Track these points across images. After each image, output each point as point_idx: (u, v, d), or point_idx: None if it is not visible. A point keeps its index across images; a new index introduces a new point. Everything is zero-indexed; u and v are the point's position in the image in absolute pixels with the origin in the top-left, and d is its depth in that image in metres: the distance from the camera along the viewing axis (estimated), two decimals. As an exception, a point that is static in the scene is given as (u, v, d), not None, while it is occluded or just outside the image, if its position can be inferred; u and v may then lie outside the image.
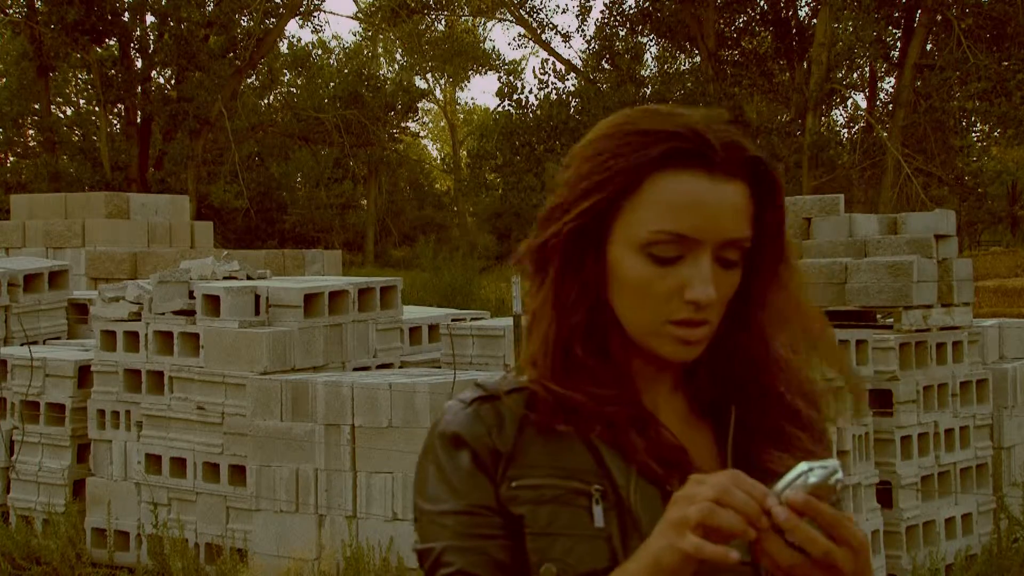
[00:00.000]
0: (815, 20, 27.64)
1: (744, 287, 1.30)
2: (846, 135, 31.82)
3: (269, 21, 31.27)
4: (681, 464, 1.27)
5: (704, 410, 1.35)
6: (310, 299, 6.50)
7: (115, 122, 33.67)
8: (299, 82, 39.49)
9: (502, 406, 1.31)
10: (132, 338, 6.68)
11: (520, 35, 38.78)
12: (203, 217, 24.58)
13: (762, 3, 30.14)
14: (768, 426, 1.32)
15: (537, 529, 1.25)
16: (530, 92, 30.17)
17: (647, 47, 31.89)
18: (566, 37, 48.02)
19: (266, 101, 39.46)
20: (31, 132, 36.32)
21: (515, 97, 29.60)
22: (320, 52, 41.93)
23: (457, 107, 56.14)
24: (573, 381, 1.29)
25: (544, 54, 32.08)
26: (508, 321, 6.99)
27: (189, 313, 6.53)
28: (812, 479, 1.11)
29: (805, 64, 28.00)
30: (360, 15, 39.87)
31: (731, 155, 1.25)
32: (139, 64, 30.17)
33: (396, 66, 46.87)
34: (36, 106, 33.19)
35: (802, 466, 1.13)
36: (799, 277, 1.34)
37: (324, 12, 64.92)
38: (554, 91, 29.77)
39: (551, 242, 1.29)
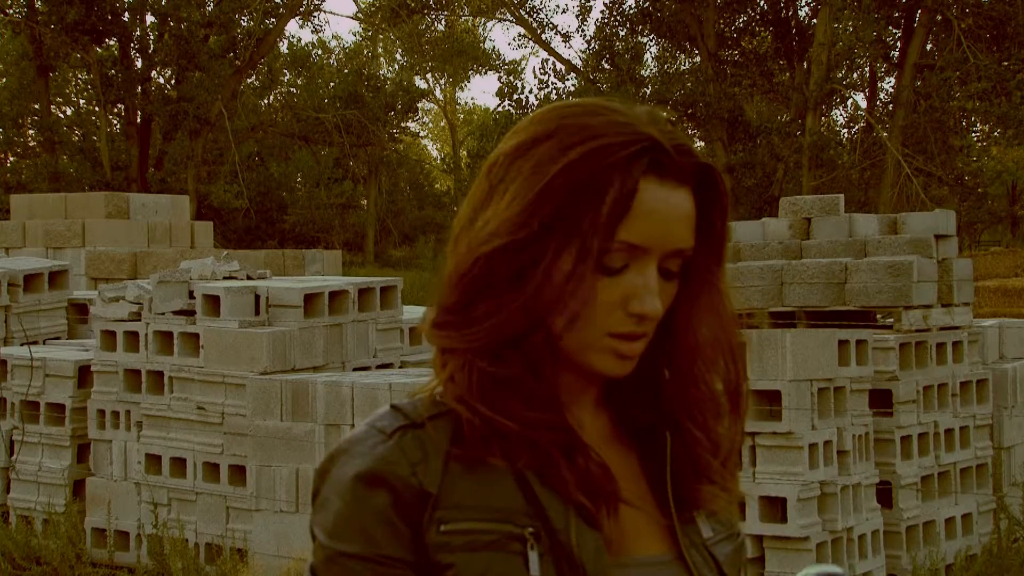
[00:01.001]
0: (815, 20, 27.64)
1: (683, 297, 1.25)
2: (846, 135, 31.83)
3: (269, 21, 31.27)
4: (610, 494, 1.20)
5: (628, 431, 1.29)
6: (310, 299, 6.50)
7: (115, 122, 33.67)
8: (299, 82, 39.48)
9: (425, 436, 1.19)
10: (132, 338, 6.68)
11: (520, 35, 38.79)
12: (203, 217, 24.58)
13: (762, 3, 30.13)
14: (695, 455, 1.27)
15: None
16: (530, 92, 30.20)
17: (647, 47, 31.89)
18: (566, 37, 47.92)
19: (266, 101, 39.45)
20: (31, 132, 36.32)
21: (515, 97, 29.62)
22: (320, 52, 41.94)
23: (457, 107, 56.14)
24: (496, 399, 1.19)
25: (544, 54, 32.07)
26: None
27: (189, 313, 6.53)
28: None
29: (805, 64, 27.99)
30: (360, 15, 39.88)
31: (681, 161, 1.20)
32: (139, 64, 30.16)
33: (396, 66, 46.87)
34: (36, 106, 33.17)
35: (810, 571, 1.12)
36: (728, 289, 1.29)
37: (324, 12, 64.89)
38: (554, 91, 29.78)
39: (490, 254, 1.19)
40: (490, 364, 1.20)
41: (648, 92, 29.16)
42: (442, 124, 57.81)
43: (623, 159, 1.17)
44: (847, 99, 31.82)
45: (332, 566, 1.18)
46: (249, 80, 35.31)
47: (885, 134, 27.02)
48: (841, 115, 34.32)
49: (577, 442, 1.20)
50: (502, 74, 41.25)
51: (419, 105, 42.34)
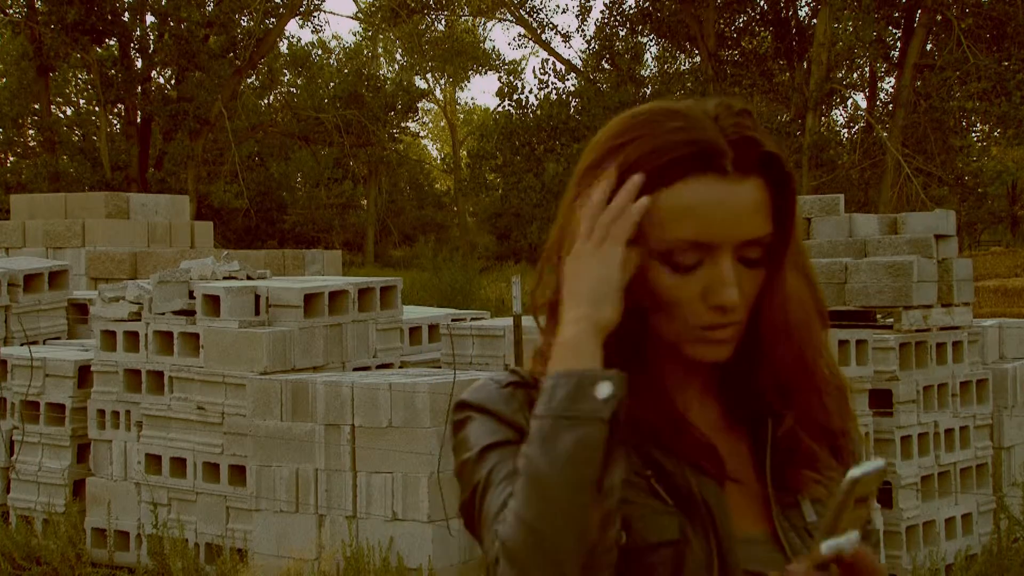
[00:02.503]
0: (815, 20, 27.64)
1: (766, 282, 1.30)
2: (846, 135, 31.83)
3: (269, 21, 31.27)
4: (717, 469, 1.26)
5: (739, 420, 1.34)
6: (310, 299, 6.50)
7: (115, 122, 33.69)
8: (299, 82, 39.50)
9: (534, 394, 1.26)
10: (132, 338, 6.68)
11: (520, 35, 38.79)
12: (203, 217, 24.58)
13: (762, 3, 30.13)
14: (796, 442, 1.31)
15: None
16: (530, 92, 30.18)
17: (647, 47, 31.91)
18: (566, 37, 48.06)
19: (266, 101, 39.47)
20: (31, 132, 36.33)
21: (515, 97, 29.60)
22: (320, 52, 41.95)
23: (457, 107, 56.13)
24: None
25: (544, 54, 32.08)
26: (508, 321, 6.99)
27: (189, 313, 6.53)
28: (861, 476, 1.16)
29: (805, 64, 28.00)
30: (360, 15, 39.87)
31: (745, 152, 1.24)
32: (139, 64, 30.17)
33: (396, 66, 46.89)
34: (36, 106, 33.18)
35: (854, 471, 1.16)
36: (809, 269, 1.34)
37: (324, 12, 64.91)
38: (554, 91, 29.79)
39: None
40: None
41: (648, 92, 29.16)
42: (442, 124, 57.81)
43: (669, 156, 1.24)
44: (847, 99, 31.84)
45: (476, 466, 1.25)
46: (249, 80, 35.33)
47: (885, 134, 27.02)
48: (841, 115, 34.34)
49: (684, 424, 1.27)
50: (502, 74, 41.30)
51: (419, 105, 42.36)
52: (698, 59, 30.33)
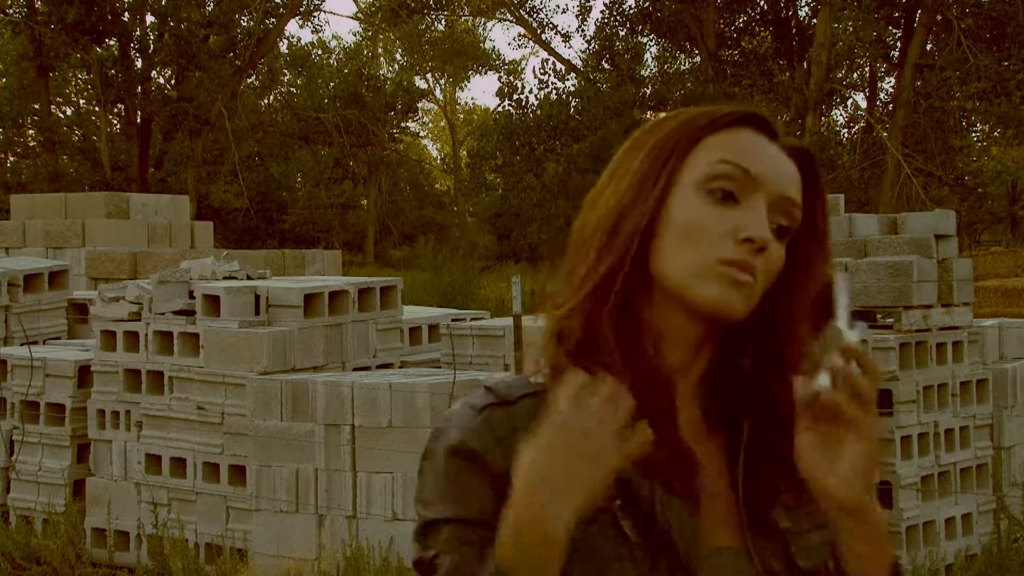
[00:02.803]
0: (815, 20, 27.64)
1: (781, 280, 1.27)
2: (846, 135, 31.84)
3: (269, 21, 31.27)
4: (691, 481, 1.22)
5: (717, 421, 1.29)
6: (310, 299, 6.50)
7: (115, 122, 33.68)
8: (299, 82, 39.50)
9: (515, 412, 1.24)
10: (132, 338, 6.68)
11: (520, 35, 38.79)
12: (203, 217, 24.58)
13: (762, 3, 30.14)
14: (773, 447, 1.26)
15: (572, 547, 1.16)
16: (530, 92, 30.24)
17: (647, 47, 31.90)
18: (566, 37, 48.06)
19: (266, 101, 39.47)
20: (31, 132, 36.33)
21: (515, 97, 29.62)
22: (320, 52, 41.96)
23: (457, 107, 56.13)
24: (608, 346, 1.22)
25: (544, 54, 32.09)
26: (508, 321, 6.99)
27: (189, 313, 6.53)
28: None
29: (805, 64, 28.00)
30: (360, 15, 39.88)
31: (786, 137, 1.29)
32: (139, 64, 30.17)
33: (396, 66, 46.89)
34: (36, 106, 33.18)
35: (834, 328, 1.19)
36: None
37: (324, 12, 64.91)
38: (554, 91, 29.79)
39: (604, 221, 1.26)
40: (603, 306, 1.23)
41: (648, 92, 29.17)
42: (442, 124, 57.82)
43: (721, 111, 1.26)
44: (847, 99, 31.85)
45: (429, 533, 1.24)
46: (249, 80, 35.32)
47: (885, 134, 27.02)
48: (841, 115, 34.35)
49: (670, 406, 1.23)
50: (502, 74, 41.30)
51: (419, 105, 42.35)
52: (698, 59, 30.33)
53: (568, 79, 30.93)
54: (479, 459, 1.22)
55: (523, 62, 61.76)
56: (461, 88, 60.92)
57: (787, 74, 30.00)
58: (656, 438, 1.18)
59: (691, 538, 1.20)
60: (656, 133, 1.28)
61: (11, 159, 37.59)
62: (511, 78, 34.71)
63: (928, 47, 27.35)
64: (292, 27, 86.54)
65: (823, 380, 1.17)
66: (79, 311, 8.49)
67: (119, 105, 31.31)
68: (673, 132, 1.27)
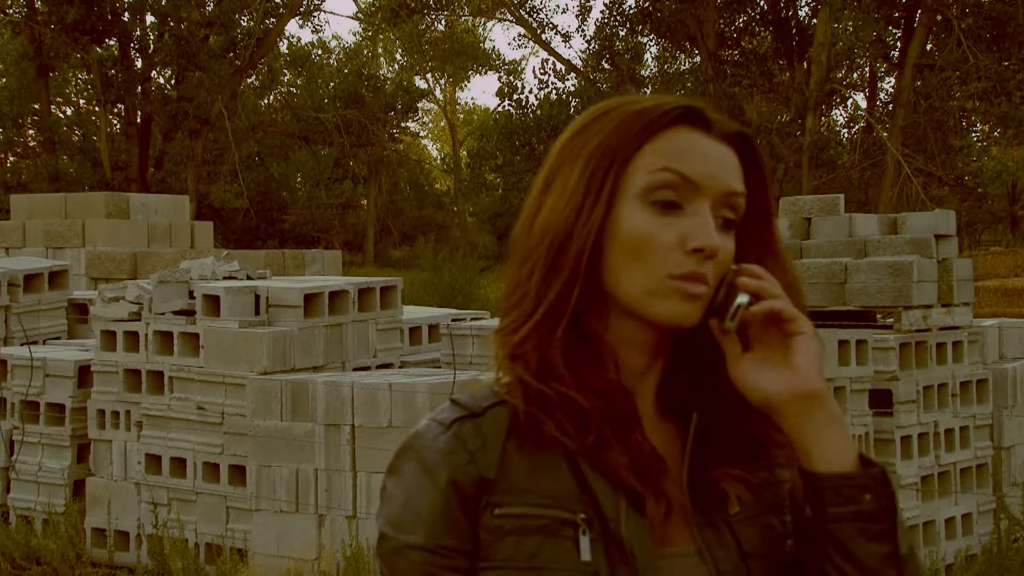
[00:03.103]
0: (815, 20, 27.64)
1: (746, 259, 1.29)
2: (846, 135, 31.84)
3: (269, 21, 31.27)
4: (658, 483, 1.23)
5: (672, 411, 1.30)
6: (310, 299, 6.50)
7: (115, 122, 33.68)
8: (299, 82, 39.50)
9: (484, 424, 1.24)
10: (132, 338, 6.68)
11: (520, 35, 38.80)
12: (203, 217, 24.58)
13: (762, 3, 30.13)
14: (722, 436, 1.27)
15: (521, 562, 1.19)
16: (530, 92, 30.24)
17: (647, 47, 31.91)
18: (566, 37, 48.05)
19: (266, 101, 39.47)
20: (31, 132, 36.33)
21: (515, 97, 29.62)
22: (320, 52, 41.96)
23: (457, 107, 56.13)
24: (554, 371, 1.22)
25: (544, 54, 32.09)
26: (508, 321, 6.98)
27: (189, 313, 6.53)
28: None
29: (805, 64, 28.00)
30: (360, 15, 39.87)
31: (722, 123, 1.27)
32: (139, 64, 30.17)
33: (396, 66, 46.90)
34: (36, 106, 33.19)
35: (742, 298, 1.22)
36: (787, 254, 1.32)
37: (324, 12, 64.92)
38: (554, 91, 29.80)
39: (553, 226, 1.24)
40: (556, 329, 1.23)
41: (648, 92, 29.13)
42: (442, 124, 57.82)
43: (655, 111, 1.24)
44: (847, 99, 31.85)
45: (396, 557, 1.23)
46: (249, 80, 35.33)
47: (885, 134, 27.02)
48: (841, 115, 34.36)
49: (631, 414, 1.24)
50: (502, 74, 41.30)
51: (419, 105, 42.35)
52: (698, 59, 30.33)
53: (568, 79, 30.94)
54: (450, 477, 1.21)
55: (523, 62, 61.79)
56: (461, 88, 60.95)
57: (787, 74, 29.99)
58: (623, 446, 1.21)
59: (650, 556, 1.21)
60: (589, 140, 1.26)
61: (11, 159, 37.60)
62: (511, 78, 34.70)
63: (928, 47, 27.35)
64: (292, 27, 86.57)
65: (742, 299, 1.21)
66: (79, 311, 8.49)
67: (119, 105, 31.31)
68: (609, 140, 1.24)
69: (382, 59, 46.74)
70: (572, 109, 28.18)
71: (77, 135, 35.16)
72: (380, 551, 1.25)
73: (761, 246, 1.30)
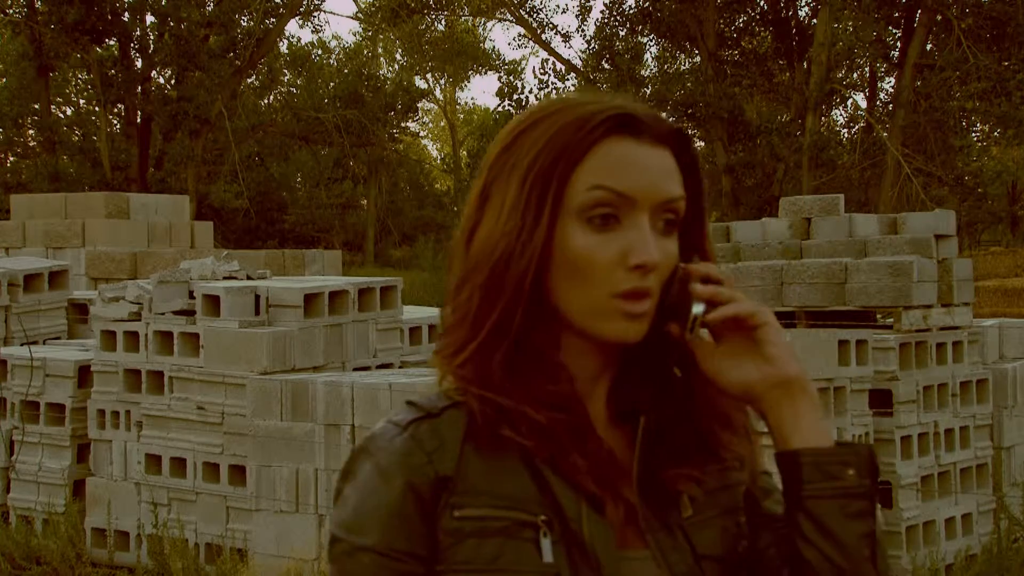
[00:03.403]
0: (815, 20, 27.63)
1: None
2: (846, 135, 31.85)
3: (269, 21, 31.26)
4: (616, 483, 1.23)
5: (624, 415, 1.29)
6: (310, 299, 6.50)
7: (115, 122, 33.66)
8: (299, 82, 39.49)
9: (441, 424, 1.22)
10: (132, 338, 6.68)
11: (520, 35, 38.79)
12: (203, 217, 24.58)
13: (762, 3, 30.13)
14: (681, 439, 1.27)
15: (482, 565, 1.18)
16: (530, 92, 30.21)
17: (647, 47, 31.89)
18: (566, 37, 48.02)
19: (266, 101, 39.46)
20: (31, 132, 36.32)
21: (515, 97, 29.61)
22: (320, 52, 41.95)
23: (457, 107, 56.13)
24: (506, 383, 1.22)
25: (544, 54, 32.08)
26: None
27: (189, 313, 6.53)
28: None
29: (805, 64, 27.99)
30: (360, 15, 39.86)
31: (655, 124, 1.25)
32: (139, 64, 30.16)
33: (396, 66, 46.89)
34: (36, 106, 33.18)
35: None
36: (714, 252, 1.33)
37: (324, 12, 64.94)
38: (554, 91, 29.78)
39: (493, 256, 1.22)
40: (499, 349, 1.22)
41: (648, 92, 29.15)
42: (442, 124, 57.82)
43: (587, 122, 1.22)
44: (847, 99, 31.85)
45: (348, 559, 1.22)
46: (249, 80, 35.32)
47: (885, 134, 27.02)
48: (841, 115, 34.35)
49: (585, 423, 1.23)
50: (502, 74, 41.27)
51: (419, 105, 42.34)
52: (698, 59, 30.32)
53: (568, 79, 30.94)
54: (407, 479, 1.20)
55: (523, 62, 61.78)
56: (461, 88, 60.95)
57: (787, 74, 29.99)
58: (580, 452, 1.21)
59: (613, 558, 1.20)
60: (521, 154, 1.24)
61: (11, 159, 37.59)
62: (511, 78, 34.69)
63: (928, 47, 27.34)
64: (292, 27, 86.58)
65: (697, 308, 1.23)
66: (79, 311, 8.49)
67: (119, 105, 31.30)
68: (543, 158, 1.22)
69: (382, 59, 46.74)
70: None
71: (77, 135, 35.15)
72: (332, 554, 1.24)
73: (691, 246, 1.29)
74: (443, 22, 39.15)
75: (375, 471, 1.22)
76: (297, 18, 33.47)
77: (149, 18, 30.02)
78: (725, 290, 1.24)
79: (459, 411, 1.23)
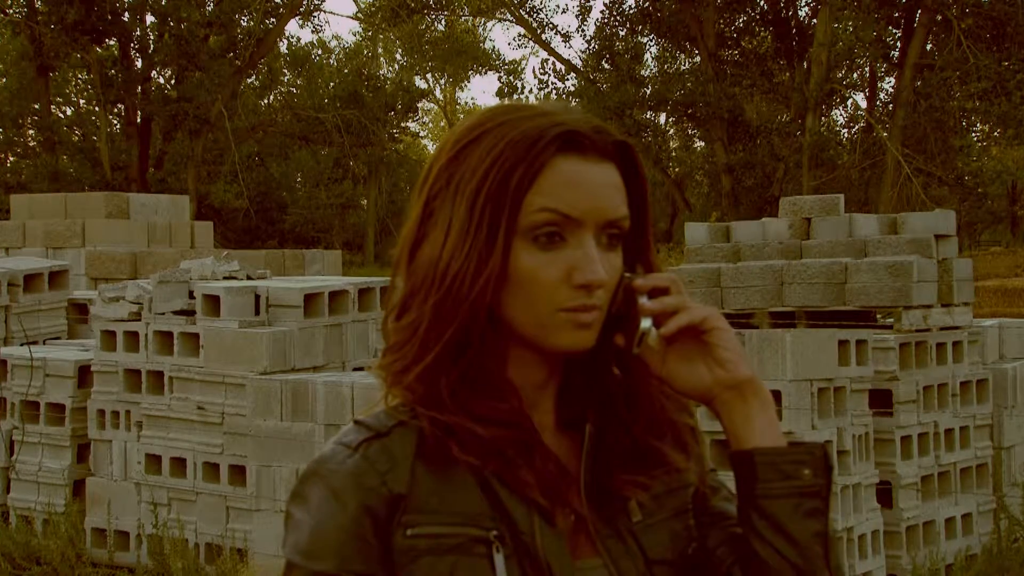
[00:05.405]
0: (815, 20, 27.65)
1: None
2: (846, 135, 31.86)
3: (269, 21, 31.29)
4: (565, 493, 1.23)
5: (570, 423, 1.30)
6: (310, 299, 6.50)
7: (115, 122, 33.68)
8: (299, 82, 39.49)
9: (391, 443, 1.22)
10: (132, 338, 6.68)
11: (520, 35, 38.78)
12: (203, 217, 24.58)
13: (762, 3, 30.14)
14: (627, 445, 1.28)
15: None
16: (530, 92, 30.22)
17: (647, 47, 31.92)
18: (566, 37, 48.02)
19: (266, 101, 39.47)
20: (31, 132, 36.33)
21: (515, 97, 29.61)
22: (320, 52, 41.94)
23: (457, 107, 56.14)
24: (453, 402, 1.22)
25: (544, 54, 32.10)
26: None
27: (189, 313, 6.53)
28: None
29: (805, 64, 28.00)
30: (360, 15, 39.87)
31: (600, 138, 1.25)
32: (139, 64, 30.18)
33: (396, 66, 46.87)
34: (36, 106, 33.19)
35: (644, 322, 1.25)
36: (658, 263, 1.33)
37: (324, 12, 64.89)
38: (554, 91, 29.81)
39: (440, 275, 1.22)
40: (448, 370, 1.22)
41: (648, 92, 29.17)
42: (442, 124, 57.81)
43: (535, 142, 1.21)
44: (847, 99, 31.88)
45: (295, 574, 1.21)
46: (249, 80, 35.32)
47: (885, 134, 27.02)
48: (841, 115, 34.37)
49: (533, 439, 1.23)
50: (502, 74, 41.27)
51: (419, 105, 42.34)
52: (698, 59, 30.33)
53: (568, 79, 30.96)
54: (360, 500, 1.19)
55: (523, 62, 61.77)
56: (461, 88, 60.91)
57: (787, 74, 29.99)
58: (528, 466, 1.21)
59: (567, 568, 1.21)
60: (467, 172, 1.23)
61: (11, 159, 37.59)
62: (511, 78, 34.74)
63: (928, 47, 27.35)
64: (292, 27, 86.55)
65: (645, 324, 1.24)
66: (79, 311, 8.49)
67: (119, 105, 31.32)
68: (491, 179, 1.21)
69: (382, 59, 46.72)
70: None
71: (77, 135, 35.16)
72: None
73: (635, 255, 1.30)
74: (443, 22, 39.17)
75: (329, 494, 1.21)
76: (297, 18, 33.50)
77: (149, 18, 30.07)
78: (671, 299, 1.25)
79: (407, 429, 1.23)
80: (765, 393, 1.27)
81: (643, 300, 1.25)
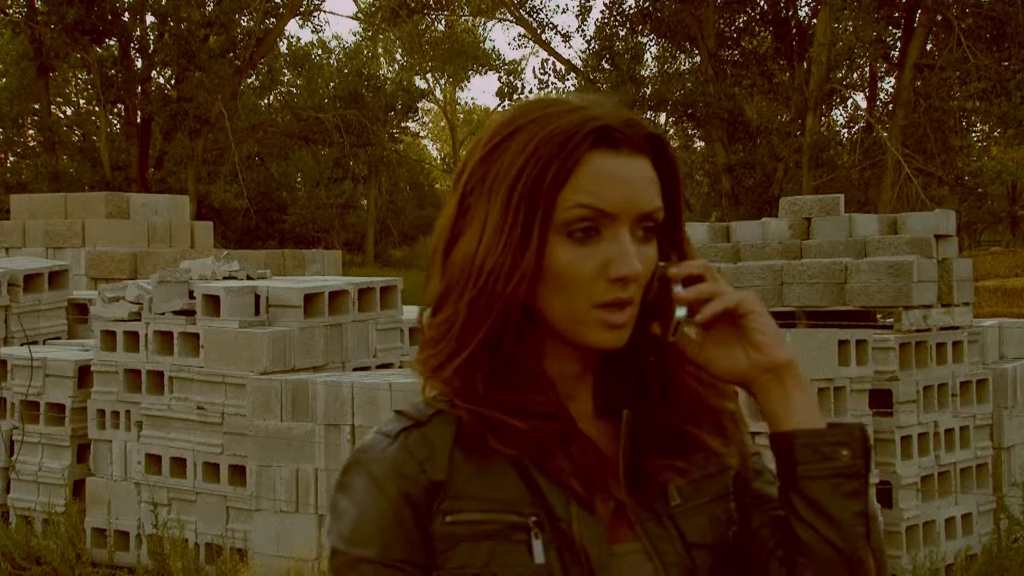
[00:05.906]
0: (815, 20, 27.63)
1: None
2: (846, 135, 31.85)
3: (269, 21, 31.25)
4: (603, 480, 1.25)
5: (607, 410, 1.32)
6: (310, 299, 6.50)
7: (115, 122, 33.66)
8: (299, 82, 39.47)
9: (431, 432, 1.25)
10: (132, 338, 6.68)
11: (520, 35, 38.79)
12: (203, 217, 24.57)
13: (762, 3, 30.13)
14: (665, 431, 1.29)
15: (475, 568, 1.20)
16: (530, 92, 30.18)
17: (647, 47, 31.89)
18: (566, 37, 47.96)
19: (266, 101, 39.46)
20: (31, 132, 36.32)
21: (515, 97, 29.62)
22: (320, 52, 41.93)
23: (457, 107, 56.12)
24: (490, 394, 1.24)
25: (544, 54, 32.09)
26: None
27: (189, 313, 6.53)
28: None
29: (805, 64, 27.99)
30: (360, 15, 39.86)
31: (632, 132, 1.26)
32: (139, 64, 30.16)
33: (396, 66, 46.87)
34: (36, 106, 33.17)
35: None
36: (693, 251, 1.35)
37: (324, 12, 64.96)
38: (554, 91, 29.79)
39: (479, 271, 1.23)
40: (484, 364, 1.24)
41: (648, 92, 29.15)
42: (442, 124, 57.81)
43: (570, 138, 1.22)
44: (847, 99, 31.87)
45: (349, 571, 1.24)
46: (249, 80, 35.31)
47: (885, 134, 27.02)
48: (841, 115, 34.36)
49: (571, 428, 1.25)
50: (502, 74, 41.27)
51: (419, 105, 42.32)
52: (698, 59, 30.32)
53: (568, 79, 30.95)
54: (401, 488, 1.22)
55: (523, 62, 61.83)
56: (461, 88, 60.91)
57: (787, 74, 29.98)
58: (566, 454, 1.23)
59: (604, 554, 1.22)
60: (503, 167, 1.24)
61: (11, 159, 37.59)
62: (511, 78, 34.74)
63: (928, 47, 27.34)
64: (292, 27, 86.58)
65: (680, 312, 1.26)
66: (79, 311, 8.49)
67: (119, 105, 31.31)
68: (527, 175, 1.22)
69: (382, 59, 46.72)
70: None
71: (77, 135, 35.15)
72: (333, 566, 1.25)
73: (669, 244, 1.32)
74: (443, 22, 39.15)
75: (369, 482, 1.24)
76: (297, 18, 33.47)
77: (149, 18, 30.04)
78: (706, 286, 1.27)
79: (446, 418, 1.26)
80: (802, 375, 1.28)
81: (677, 288, 1.26)
